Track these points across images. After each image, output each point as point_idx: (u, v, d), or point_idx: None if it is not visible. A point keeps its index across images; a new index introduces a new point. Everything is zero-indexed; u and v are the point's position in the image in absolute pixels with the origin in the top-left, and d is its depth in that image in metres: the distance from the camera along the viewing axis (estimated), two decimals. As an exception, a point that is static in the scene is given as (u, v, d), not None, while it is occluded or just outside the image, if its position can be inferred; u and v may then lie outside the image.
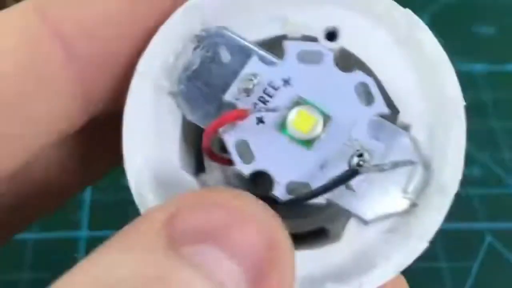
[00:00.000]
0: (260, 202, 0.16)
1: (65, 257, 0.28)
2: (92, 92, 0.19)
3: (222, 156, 0.19)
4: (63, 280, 0.14)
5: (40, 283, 0.29)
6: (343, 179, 0.17)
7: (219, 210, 0.15)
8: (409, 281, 0.27)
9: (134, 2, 0.19)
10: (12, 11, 0.18)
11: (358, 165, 0.17)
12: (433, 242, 0.28)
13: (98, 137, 0.22)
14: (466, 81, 0.37)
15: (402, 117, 0.18)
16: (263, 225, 0.15)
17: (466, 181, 0.30)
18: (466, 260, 0.31)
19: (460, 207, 0.30)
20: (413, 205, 0.18)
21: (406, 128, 0.18)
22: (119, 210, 0.23)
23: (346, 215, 0.18)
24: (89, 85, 0.19)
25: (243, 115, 0.17)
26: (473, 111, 0.35)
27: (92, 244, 0.30)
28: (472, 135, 0.32)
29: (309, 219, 0.19)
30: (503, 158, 0.35)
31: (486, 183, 0.34)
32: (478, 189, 0.34)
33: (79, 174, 0.23)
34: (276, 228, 0.16)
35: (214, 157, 0.19)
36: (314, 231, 0.20)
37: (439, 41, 0.31)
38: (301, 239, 0.19)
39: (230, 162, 0.19)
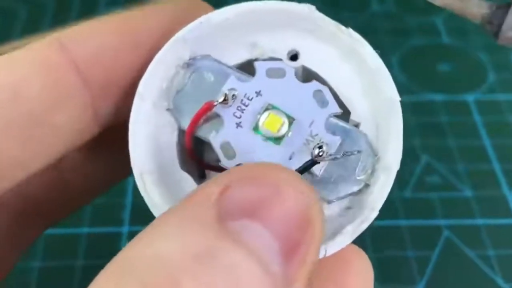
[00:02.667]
0: (300, 177, 0.18)
1: (111, 248, 0.35)
2: (100, 109, 0.23)
3: (199, 158, 0.23)
4: (120, 255, 0.16)
5: (91, 269, 0.35)
6: (305, 168, 0.20)
7: (264, 185, 0.17)
8: (383, 267, 0.35)
9: (135, 38, 0.23)
10: (38, 43, 0.22)
11: (319, 155, 0.20)
12: (402, 235, 0.37)
13: (109, 146, 0.26)
14: (429, 108, 0.45)
15: (353, 117, 0.22)
16: (300, 200, 0.17)
17: (428, 187, 0.39)
18: (428, 250, 0.37)
19: (423, 208, 0.38)
20: (366, 186, 0.21)
21: (356, 125, 0.22)
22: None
23: None
24: (99, 103, 0.23)
25: (210, 106, 0.21)
26: (434, 131, 0.42)
27: (132, 237, 0.37)
28: (432, 150, 0.41)
29: None
30: (457, 169, 0.41)
31: (443, 189, 0.40)
32: (437, 194, 0.39)
33: (96, 178, 0.27)
34: (312, 204, 0.17)
35: (194, 157, 0.23)
36: None
37: (406, 76, 0.37)
38: None
39: (206, 165, 0.23)
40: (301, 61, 0.22)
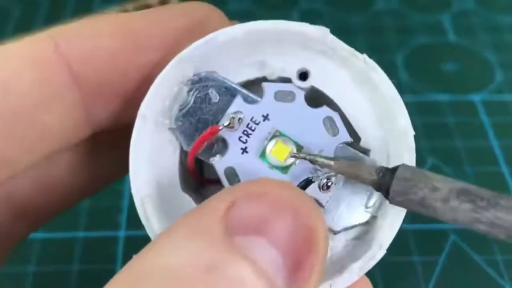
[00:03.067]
0: (304, 193, 0.19)
1: (107, 253, 0.36)
2: (92, 111, 0.23)
3: (202, 176, 0.23)
4: (130, 265, 0.16)
5: (87, 274, 0.35)
6: (303, 186, 0.21)
7: (269, 201, 0.17)
8: (387, 272, 0.35)
9: (136, 41, 0.23)
10: (31, 39, 0.22)
11: (327, 185, 0.21)
12: (407, 240, 0.36)
13: (104, 148, 0.26)
14: (434, 109, 0.45)
15: (363, 143, 0.22)
16: (304, 217, 0.17)
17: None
18: (434, 255, 0.36)
19: None
20: (373, 217, 0.21)
21: (366, 152, 0.22)
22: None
23: None
24: (90, 105, 0.23)
25: (215, 131, 0.21)
26: (439, 133, 0.42)
27: (129, 242, 0.37)
28: (438, 152, 0.41)
29: None
30: (464, 172, 0.41)
31: None
32: None
33: (88, 180, 0.27)
34: (316, 220, 0.18)
35: (197, 177, 0.23)
36: None
37: (411, 76, 0.37)
38: None
39: (209, 182, 0.23)
40: (311, 81, 0.22)
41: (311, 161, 0.21)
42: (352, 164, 0.20)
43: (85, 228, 0.37)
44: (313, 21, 0.21)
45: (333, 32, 0.21)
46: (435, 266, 0.36)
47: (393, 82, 0.21)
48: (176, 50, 0.21)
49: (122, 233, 0.37)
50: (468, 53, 0.50)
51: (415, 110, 0.44)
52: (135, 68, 0.23)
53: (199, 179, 0.23)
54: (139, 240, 0.16)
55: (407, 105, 0.21)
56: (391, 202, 0.19)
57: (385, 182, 0.19)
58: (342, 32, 0.22)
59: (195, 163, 0.22)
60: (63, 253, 0.36)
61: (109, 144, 0.25)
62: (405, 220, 0.36)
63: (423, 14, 0.53)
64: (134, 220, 0.36)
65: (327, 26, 0.22)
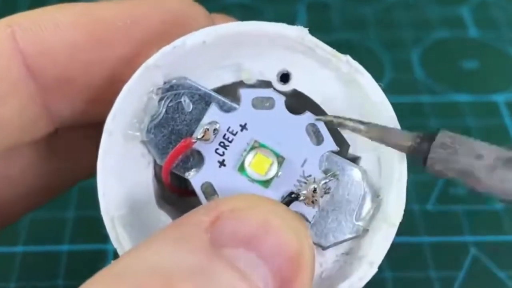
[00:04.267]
0: (291, 211, 0.20)
1: (95, 267, 0.35)
2: (53, 106, 0.23)
3: (181, 189, 0.23)
4: (117, 262, 0.17)
5: None
6: (288, 203, 0.21)
7: (256, 218, 0.18)
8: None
9: (96, 38, 0.23)
10: None
11: (313, 198, 0.21)
12: (423, 254, 0.36)
13: (72, 145, 0.27)
14: (453, 110, 0.45)
15: (352, 150, 0.22)
16: (293, 235, 0.18)
17: (452, 199, 0.38)
18: (453, 270, 0.36)
19: (448, 222, 0.38)
20: (365, 230, 0.22)
21: (356, 159, 0.22)
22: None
23: None
24: (50, 100, 0.23)
25: (189, 144, 0.21)
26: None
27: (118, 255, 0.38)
28: None
29: None
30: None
31: (470, 201, 0.39)
32: (463, 207, 0.39)
33: (54, 176, 0.27)
34: (303, 239, 0.19)
35: (175, 190, 0.23)
36: None
37: (428, 74, 0.37)
38: None
39: (189, 193, 0.23)
40: (293, 84, 0.22)
41: (340, 125, 0.21)
42: (385, 129, 0.20)
43: (70, 240, 0.37)
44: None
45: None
46: (454, 282, 0.36)
47: (379, 85, 0.21)
48: (149, 47, 0.22)
49: (111, 246, 0.36)
50: (490, 49, 0.50)
51: (432, 112, 0.44)
52: (100, 63, 0.23)
53: (177, 192, 0.23)
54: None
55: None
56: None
57: (422, 149, 0.19)
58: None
59: (171, 174, 0.22)
60: (46, 268, 0.36)
61: (77, 141, 0.26)
62: (421, 232, 0.37)
63: (441, 7, 0.53)
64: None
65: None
